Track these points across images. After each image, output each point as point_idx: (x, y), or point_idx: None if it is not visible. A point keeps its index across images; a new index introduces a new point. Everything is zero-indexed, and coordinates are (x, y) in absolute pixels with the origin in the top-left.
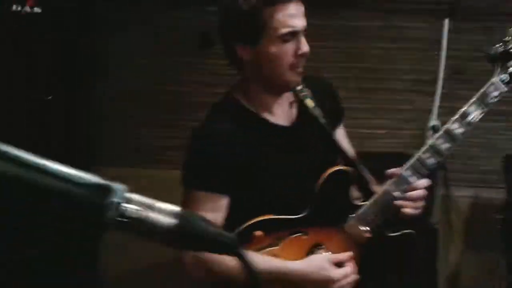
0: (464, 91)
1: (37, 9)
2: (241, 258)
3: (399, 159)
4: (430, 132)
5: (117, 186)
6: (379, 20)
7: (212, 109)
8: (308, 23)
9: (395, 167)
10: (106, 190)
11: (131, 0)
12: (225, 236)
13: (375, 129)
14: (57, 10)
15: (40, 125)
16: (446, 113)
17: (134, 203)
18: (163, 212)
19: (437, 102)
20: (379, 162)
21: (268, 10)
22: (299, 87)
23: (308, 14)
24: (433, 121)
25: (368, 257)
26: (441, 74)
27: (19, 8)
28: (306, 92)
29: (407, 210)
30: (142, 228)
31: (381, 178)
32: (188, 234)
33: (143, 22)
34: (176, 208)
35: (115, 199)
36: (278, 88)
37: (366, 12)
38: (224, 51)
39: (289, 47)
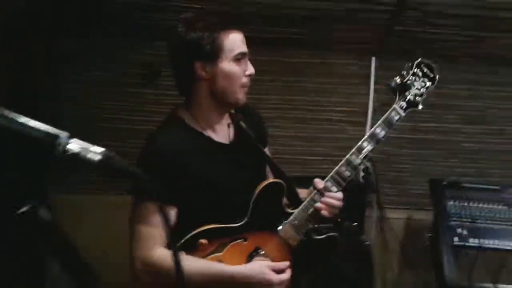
0: None
1: None
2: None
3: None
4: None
5: (63, 133)
6: (316, 57)
7: (159, 128)
8: (256, 60)
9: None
10: (55, 134)
11: (82, 32)
12: (140, 174)
13: (313, 156)
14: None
15: None
16: None
17: (74, 144)
18: (94, 151)
19: (368, 131)
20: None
21: (225, 33)
22: (233, 111)
23: (256, 51)
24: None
25: (299, 257)
26: (371, 106)
27: None
28: (239, 116)
29: (325, 212)
30: (78, 161)
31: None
32: (110, 167)
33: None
34: (103, 149)
35: (62, 140)
36: (227, 105)
37: (306, 51)
38: (175, 73)
39: (240, 68)
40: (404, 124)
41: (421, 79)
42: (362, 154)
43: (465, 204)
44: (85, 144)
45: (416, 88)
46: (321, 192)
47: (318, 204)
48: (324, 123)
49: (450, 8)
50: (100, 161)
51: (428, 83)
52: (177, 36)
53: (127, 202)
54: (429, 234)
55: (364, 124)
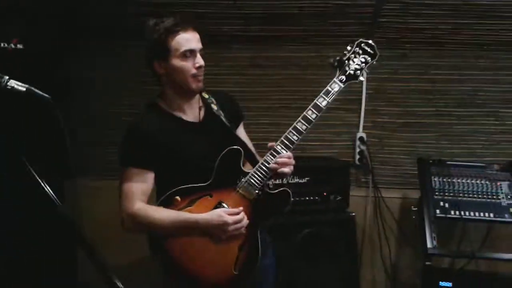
0: (384, 108)
1: (20, 46)
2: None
3: (331, 161)
4: (358, 142)
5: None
6: (310, 51)
7: (141, 110)
8: (252, 56)
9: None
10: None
11: (97, 33)
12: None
13: (313, 142)
14: (38, 44)
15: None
16: (370, 127)
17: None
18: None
19: (362, 117)
20: (318, 164)
21: (171, 36)
22: (206, 96)
23: (253, 48)
24: (360, 133)
25: (257, 208)
26: (364, 94)
27: (5, 45)
28: (211, 100)
29: (282, 170)
30: (14, 91)
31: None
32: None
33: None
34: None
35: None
36: (186, 92)
37: (299, 45)
38: (147, 69)
39: (189, 62)
40: (396, 110)
41: (361, 56)
42: (307, 122)
43: (449, 180)
44: (17, 82)
45: (356, 64)
46: (272, 153)
47: (272, 165)
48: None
49: None
50: (25, 90)
51: (368, 59)
52: (144, 39)
53: None
54: (415, 208)
55: (358, 111)
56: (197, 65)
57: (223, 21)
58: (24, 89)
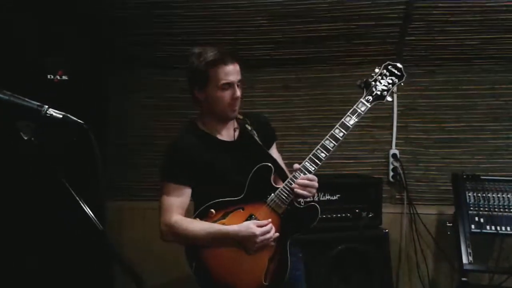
0: (416, 124)
1: (64, 77)
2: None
3: (361, 178)
4: (391, 159)
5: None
6: (336, 71)
7: (180, 131)
8: (283, 78)
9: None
10: (41, 104)
11: (132, 66)
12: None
13: (346, 160)
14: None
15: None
16: (403, 143)
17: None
18: (58, 112)
19: (394, 134)
20: (349, 180)
21: (212, 69)
22: (241, 117)
23: (283, 71)
24: (393, 150)
25: (286, 221)
26: (395, 111)
27: (52, 77)
28: (246, 121)
29: (299, 191)
30: (52, 118)
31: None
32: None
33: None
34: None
35: (45, 108)
36: (222, 118)
37: (328, 66)
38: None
39: (226, 93)
40: (429, 126)
41: (389, 77)
42: (335, 140)
43: (484, 195)
44: (55, 111)
45: (383, 85)
46: (301, 169)
47: (293, 185)
48: (354, 129)
49: (454, 16)
50: (62, 117)
51: (396, 80)
52: (187, 67)
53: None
54: (450, 224)
55: (390, 128)
56: (234, 96)
57: (253, 47)
58: (61, 116)
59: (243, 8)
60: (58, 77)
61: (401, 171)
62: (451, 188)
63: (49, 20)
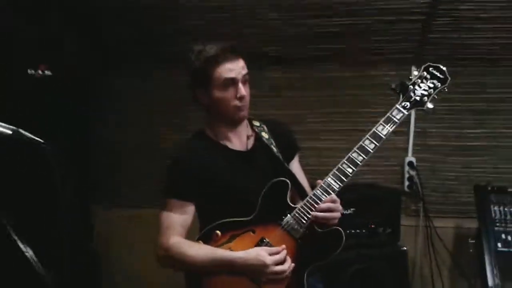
0: (435, 130)
1: (48, 72)
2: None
3: (378, 189)
4: (407, 167)
5: None
6: (351, 71)
7: (186, 141)
8: (290, 77)
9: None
10: None
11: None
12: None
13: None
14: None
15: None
16: (420, 150)
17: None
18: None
19: (411, 140)
20: (364, 192)
21: (212, 67)
22: (257, 124)
23: (289, 70)
24: (409, 158)
25: (303, 248)
26: (413, 115)
27: (33, 72)
28: (263, 128)
29: (320, 215)
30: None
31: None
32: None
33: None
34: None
35: None
36: (229, 122)
37: (340, 65)
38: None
39: (230, 91)
40: (448, 132)
41: (429, 81)
42: (364, 153)
43: (511, 209)
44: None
45: (423, 89)
46: (322, 187)
47: (313, 213)
48: (366, 133)
49: (485, 12)
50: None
51: (438, 84)
52: (186, 67)
53: None
54: (473, 241)
55: (406, 133)
56: (238, 95)
57: (261, 43)
58: (11, 132)
59: None
60: (40, 72)
61: (417, 181)
62: (471, 200)
63: (38, 15)
